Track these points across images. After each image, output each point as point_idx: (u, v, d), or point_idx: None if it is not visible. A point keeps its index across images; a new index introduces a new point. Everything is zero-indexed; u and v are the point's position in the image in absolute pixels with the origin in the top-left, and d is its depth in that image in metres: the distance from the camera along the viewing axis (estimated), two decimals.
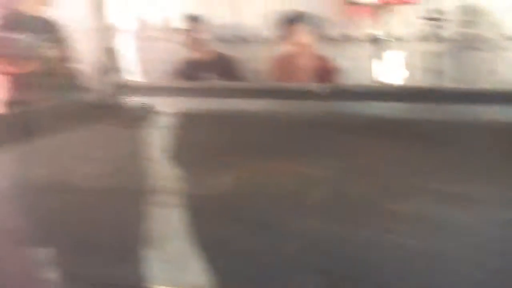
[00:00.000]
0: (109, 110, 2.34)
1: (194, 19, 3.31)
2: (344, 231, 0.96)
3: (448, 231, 0.97)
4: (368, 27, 3.41)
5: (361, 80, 3.46)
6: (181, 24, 3.36)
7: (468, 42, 3.21)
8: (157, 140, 1.89)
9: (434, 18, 3.00)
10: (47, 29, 2.92)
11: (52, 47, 2.80)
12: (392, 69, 3.30)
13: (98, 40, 2.44)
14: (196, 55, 3.30)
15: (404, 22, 3.36)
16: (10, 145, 1.61)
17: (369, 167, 1.40)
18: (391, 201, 1.10)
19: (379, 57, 3.29)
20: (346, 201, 1.12)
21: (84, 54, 3.80)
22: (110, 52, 2.47)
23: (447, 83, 3.02)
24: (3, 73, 2.98)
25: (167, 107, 2.26)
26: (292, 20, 3.15)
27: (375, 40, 3.38)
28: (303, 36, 3.11)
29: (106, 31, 2.43)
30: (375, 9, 3.25)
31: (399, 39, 3.36)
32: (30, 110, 1.93)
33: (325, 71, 3.18)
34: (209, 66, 3.24)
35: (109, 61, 2.49)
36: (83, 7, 3.73)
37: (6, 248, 0.91)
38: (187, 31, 3.29)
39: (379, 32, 3.29)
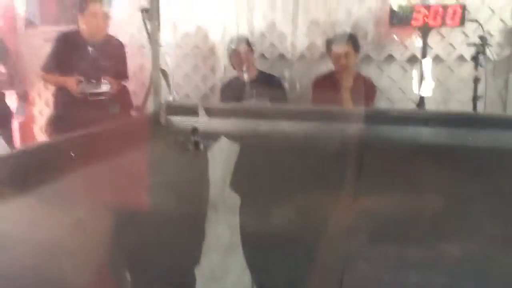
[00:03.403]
0: (157, 130, 2.44)
1: (243, 40, 3.43)
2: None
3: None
4: (410, 48, 3.46)
5: (399, 100, 3.51)
6: (230, 44, 3.48)
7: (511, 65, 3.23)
8: (203, 162, 1.96)
9: (479, 43, 3.02)
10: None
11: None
12: (429, 90, 3.33)
13: (151, 58, 2.54)
14: (240, 74, 3.42)
15: (444, 44, 3.39)
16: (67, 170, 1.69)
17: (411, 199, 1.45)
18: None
19: (418, 77, 3.33)
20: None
21: (134, 72, 3.97)
22: (162, 72, 2.57)
23: (486, 107, 3.03)
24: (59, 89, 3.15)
25: (212, 127, 2.35)
26: (335, 40, 3.25)
27: (415, 61, 3.43)
28: (345, 55, 3.20)
29: (158, 50, 2.53)
30: (417, 31, 3.28)
31: (439, 61, 3.39)
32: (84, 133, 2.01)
33: (365, 90, 3.24)
34: (251, 85, 3.35)
35: (160, 80, 2.59)
36: (136, 24, 3.92)
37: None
38: (235, 52, 3.41)
39: (419, 53, 3.32)
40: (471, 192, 1.51)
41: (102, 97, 2.99)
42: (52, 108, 3.31)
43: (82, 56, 3.02)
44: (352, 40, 3.28)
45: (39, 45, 3.93)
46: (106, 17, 3.13)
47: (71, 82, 2.96)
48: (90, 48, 3.07)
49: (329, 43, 3.35)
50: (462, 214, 1.32)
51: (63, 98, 3.09)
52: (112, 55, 3.17)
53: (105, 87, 2.98)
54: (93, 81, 2.96)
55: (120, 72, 3.20)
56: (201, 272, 1.03)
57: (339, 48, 3.22)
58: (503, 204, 1.40)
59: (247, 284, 1.01)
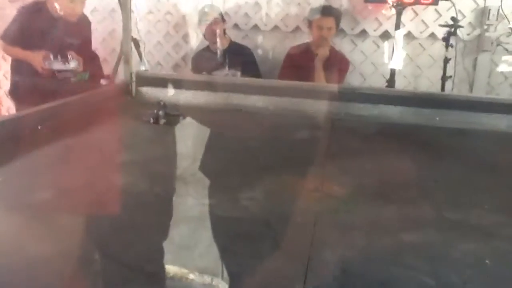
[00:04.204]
0: (128, 103, 2.39)
1: (215, 11, 3.37)
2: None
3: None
4: (383, 24, 3.46)
5: (371, 74, 3.54)
6: (202, 14, 3.41)
7: (480, 45, 3.29)
8: (172, 137, 1.95)
9: (451, 24, 3.05)
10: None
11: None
12: (399, 63, 3.36)
13: (122, 26, 2.46)
14: (212, 44, 3.37)
15: (418, 21, 3.41)
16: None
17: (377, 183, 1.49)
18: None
19: (390, 52, 3.36)
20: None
21: (104, 38, 3.86)
22: (133, 41, 2.50)
23: (454, 86, 3.11)
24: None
25: (183, 100, 2.33)
26: (321, 11, 3.25)
27: (388, 37, 3.45)
28: (328, 28, 3.20)
29: (129, 17, 2.44)
30: (391, 8, 3.29)
31: (411, 38, 3.42)
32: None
33: (338, 63, 3.27)
34: (223, 55, 3.31)
35: (131, 49, 2.52)
36: None
37: None
38: (207, 22, 3.34)
39: (392, 30, 3.34)
40: (433, 170, 1.58)
41: (70, 75, 2.82)
42: (12, 81, 3.09)
43: (49, 30, 2.82)
44: (336, 14, 3.30)
45: (3, 5, 3.76)
46: (82, 1, 2.94)
47: (37, 58, 2.76)
48: (58, 23, 2.86)
49: (313, 12, 3.33)
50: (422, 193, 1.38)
51: (26, 72, 2.86)
52: (80, 32, 3.00)
53: (73, 64, 2.82)
54: (60, 57, 2.79)
55: (86, 50, 3.06)
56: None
57: (324, 20, 3.22)
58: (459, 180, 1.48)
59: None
